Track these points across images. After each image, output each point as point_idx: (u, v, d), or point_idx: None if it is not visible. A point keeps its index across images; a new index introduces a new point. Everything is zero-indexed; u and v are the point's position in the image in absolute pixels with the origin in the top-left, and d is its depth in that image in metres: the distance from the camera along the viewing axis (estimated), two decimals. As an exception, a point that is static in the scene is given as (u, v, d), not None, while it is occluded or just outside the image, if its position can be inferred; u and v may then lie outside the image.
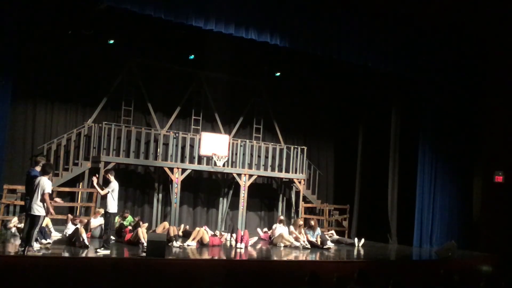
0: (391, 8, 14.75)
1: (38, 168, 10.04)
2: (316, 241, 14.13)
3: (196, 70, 16.68)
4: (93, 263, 9.88)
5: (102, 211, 12.14)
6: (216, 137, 16.01)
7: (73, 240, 11.33)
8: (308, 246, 13.90)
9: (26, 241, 9.58)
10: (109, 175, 10.99)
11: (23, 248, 9.50)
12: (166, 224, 13.95)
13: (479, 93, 16.67)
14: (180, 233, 13.94)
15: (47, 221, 11.33)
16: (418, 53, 15.74)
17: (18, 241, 9.99)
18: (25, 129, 14.31)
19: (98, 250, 10.62)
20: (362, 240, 15.28)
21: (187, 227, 14.78)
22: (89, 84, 15.15)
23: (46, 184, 9.66)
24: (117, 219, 12.94)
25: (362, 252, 14.37)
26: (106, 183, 11.16)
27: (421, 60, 15.81)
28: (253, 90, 17.87)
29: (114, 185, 10.81)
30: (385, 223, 16.73)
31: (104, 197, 10.92)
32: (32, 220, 9.66)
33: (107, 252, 10.57)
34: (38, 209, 9.61)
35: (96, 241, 12.31)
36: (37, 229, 9.71)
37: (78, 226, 11.96)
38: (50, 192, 9.75)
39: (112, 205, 10.79)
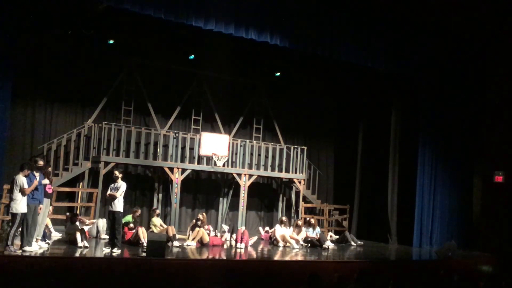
0: (391, 8, 14.74)
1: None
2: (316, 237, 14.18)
3: (196, 70, 16.67)
4: (93, 263, 9.88)
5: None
6: (216, 137, 16.00)
7: (71, 240, 11.33)
8: (307, 245, 13.94)
9: (6, 240, 9.56)
10: (121, 175, 11.18)
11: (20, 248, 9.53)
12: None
13: (479, 93, 16.67)
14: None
15: (46, 221, 11.31)
16: (418, 53, 15.75)
17: (17, 241, 9.97)
18: (25, 129, 14.27)
19: (114, 250, 10.53)
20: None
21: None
22: (89, 84, 15.12)
23: (23, 181, 9.60)
24: (130, 217, 12.88)
25: (362, 252, 14.37)
26: (114, 180, 11.15)
27: (421, 60, 15.82)
28: (253, 90, 17.86)
29: (124, 186, 10.99)
30: (385, 223, 16.71)
31: (114, 198, 10.93)
32: (12, 219, 9.64)
33: (119, 251, 10.61)
34: (14, 207, 9.57)
35: (92, 240, 12.34)
36: (15, 228, 9.58)
37: (78, 226, 11.96)
38: (27, 187, 9.61)
39: (122, 205, 10.96)
